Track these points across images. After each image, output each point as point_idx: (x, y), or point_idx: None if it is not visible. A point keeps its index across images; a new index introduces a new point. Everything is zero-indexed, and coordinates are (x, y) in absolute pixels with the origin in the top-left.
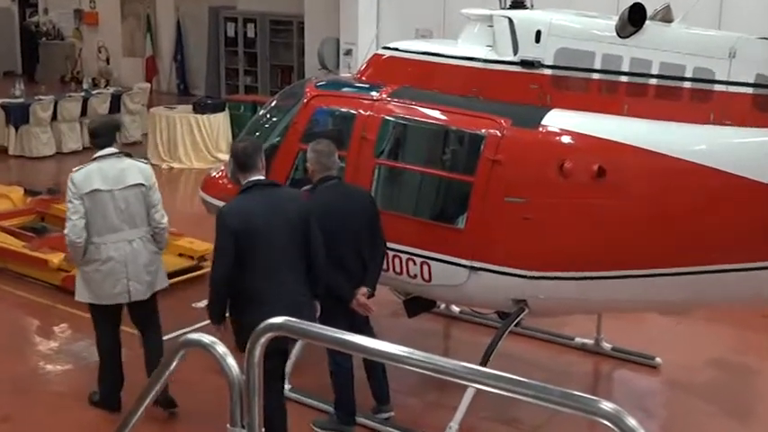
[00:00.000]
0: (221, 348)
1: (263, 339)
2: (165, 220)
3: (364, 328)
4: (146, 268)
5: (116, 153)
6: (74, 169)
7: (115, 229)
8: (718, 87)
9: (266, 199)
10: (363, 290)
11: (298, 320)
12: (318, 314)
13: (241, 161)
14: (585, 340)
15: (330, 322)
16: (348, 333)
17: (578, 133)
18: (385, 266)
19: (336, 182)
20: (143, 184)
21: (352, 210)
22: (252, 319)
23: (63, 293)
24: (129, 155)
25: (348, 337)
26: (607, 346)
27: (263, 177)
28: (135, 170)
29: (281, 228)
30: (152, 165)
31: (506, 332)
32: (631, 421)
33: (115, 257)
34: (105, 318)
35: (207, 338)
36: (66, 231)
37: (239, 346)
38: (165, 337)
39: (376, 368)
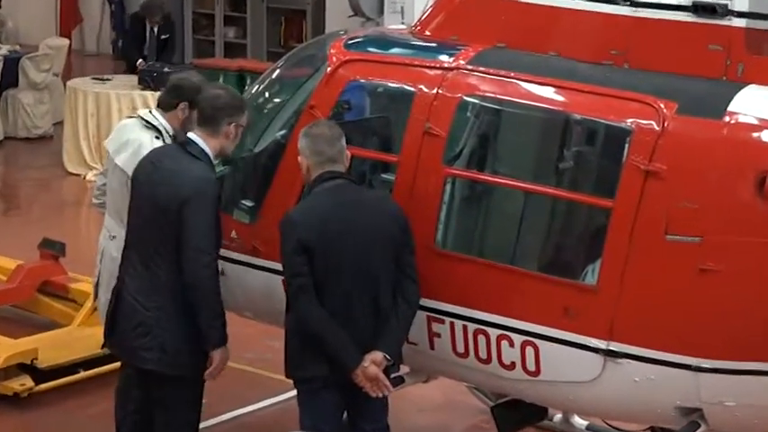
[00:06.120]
0: None
1: None
2: None
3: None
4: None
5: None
6: None
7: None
8: None
9: (157, 163)
10: (377, 355)
11: None
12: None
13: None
14: None
15: (310, 406)
16: None
17: None
18: (462, 349)
19: (342, 183)
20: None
21: (362, 226)
22: None
23: None
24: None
25: None
26: None
27: (195, 139)
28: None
29: (147, 203)
30: (70, 173)
31: None
32: None
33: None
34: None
35: None
36: None
37: None
38: None
39: None
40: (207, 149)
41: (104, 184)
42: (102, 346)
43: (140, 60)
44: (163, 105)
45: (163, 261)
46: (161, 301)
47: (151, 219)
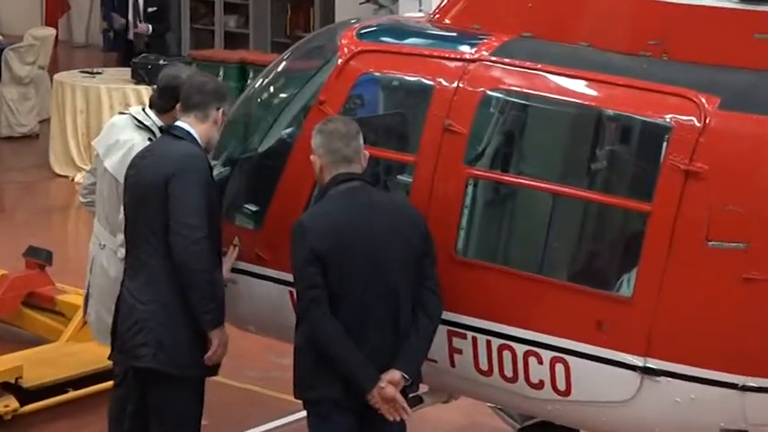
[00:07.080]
0: None
1: None
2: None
3: None
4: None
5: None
6: None
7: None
8: None
9: (148, 154)
10: (394, 375)
11: None
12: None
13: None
14: None
15: (320, 429)
16: None
17: None
18: (485, 366)
19: (358, 185)
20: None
21: (380, 233)
22: None
23: None
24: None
25: None
26: None
27: (181, 124)
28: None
29: (135, 189)
30: (58, 175)
31: None
32: None
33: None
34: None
35: None
36: None
37: None
38: None
39: None
40: (193, 132)
41: (92, 183)
42: (109, 357)
43: (122, 21)
44: (158, 108)
45: (153, 248)
46: (155, 293)
47: (140, 206)
